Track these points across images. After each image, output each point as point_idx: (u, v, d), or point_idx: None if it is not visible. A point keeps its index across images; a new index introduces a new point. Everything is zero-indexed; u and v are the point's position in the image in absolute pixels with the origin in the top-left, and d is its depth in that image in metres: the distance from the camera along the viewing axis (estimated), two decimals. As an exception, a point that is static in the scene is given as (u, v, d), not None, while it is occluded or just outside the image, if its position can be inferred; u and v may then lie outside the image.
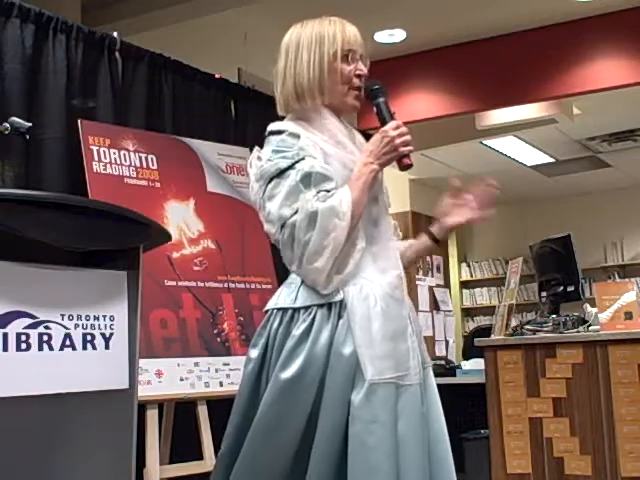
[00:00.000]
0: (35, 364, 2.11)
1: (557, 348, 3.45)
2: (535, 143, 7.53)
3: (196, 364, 3.44)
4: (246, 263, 3.83)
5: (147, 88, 4.00)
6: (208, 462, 3.24)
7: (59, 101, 3.54)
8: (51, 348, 2.14)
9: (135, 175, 3.57)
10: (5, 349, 2.05)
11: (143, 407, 3.10)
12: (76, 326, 2.20)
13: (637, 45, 5.22)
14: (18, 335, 2.08)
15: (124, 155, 3.57)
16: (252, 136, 4.33)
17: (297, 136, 1.93)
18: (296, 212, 1.86)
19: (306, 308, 1.90)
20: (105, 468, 2.23)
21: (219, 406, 3.04)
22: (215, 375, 3.48)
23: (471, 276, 10.04)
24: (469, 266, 10.05)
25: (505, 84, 5.63)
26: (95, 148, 3.47)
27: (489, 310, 9.20)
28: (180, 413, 3.50)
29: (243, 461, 1.88)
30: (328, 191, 1.88)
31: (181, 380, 3.36)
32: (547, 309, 3.91)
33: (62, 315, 2.18)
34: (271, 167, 1.91)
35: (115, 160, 3.52)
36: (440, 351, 8.16)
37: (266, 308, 2.00)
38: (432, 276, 8.50)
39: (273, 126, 2.00)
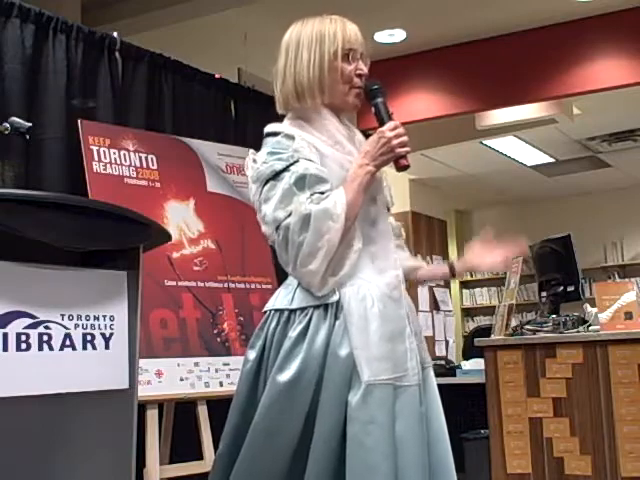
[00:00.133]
0: (35, 364, 2.10)
1: (557, 348, 3.45)
2: (535, 143, 7.52)
3: (196, 364, 3.44)
4: (246, 263, 3.83)
5: (147, 88, 3.99)
6: (208, 462, 3.23)
7: (59, 101, 3.54)
8: (51, 348, 2.14)
9: (135, 175, 3.57)
10: (5, 349, 2.05)
11: (143, 407, 3.10)
12: (76, 326, 2.20)
13: (637, 45, 5.21)
14: (18, 335, 2.08)
15: (124, 155, 3.57)
16: (252, 136, 4.32)
17: (292, 137, 1.93)
18: (290, 215, 1.85)
19: (302, 309, 1.90)
20: (105, 468, 2.23)
21: (219, 406, 3.04)
22: (215, 375, 3.49)
23: (471, 276, 10.02)
24: (469, 266, 10.03)
25: (505, 84, 5.62)
26: (95, 148, 3.47)
27: (489, 310, 9.20)
28: (180, 413, 3.50)
29: (242, 464, 1.88)
30: (322, 193, 1.87)
31: (181, 380, 3.37)
32: (547, 309, 3.91)
33: (62, 315, 2.18)
34: (267, 169, 1.91)
35: (115, 160, 3.52)
36: (440, 351, 8.16)
37: (264, 309, 2.00)
38: (432, 276, 8.48)
39: (270, 127, 1.99)
